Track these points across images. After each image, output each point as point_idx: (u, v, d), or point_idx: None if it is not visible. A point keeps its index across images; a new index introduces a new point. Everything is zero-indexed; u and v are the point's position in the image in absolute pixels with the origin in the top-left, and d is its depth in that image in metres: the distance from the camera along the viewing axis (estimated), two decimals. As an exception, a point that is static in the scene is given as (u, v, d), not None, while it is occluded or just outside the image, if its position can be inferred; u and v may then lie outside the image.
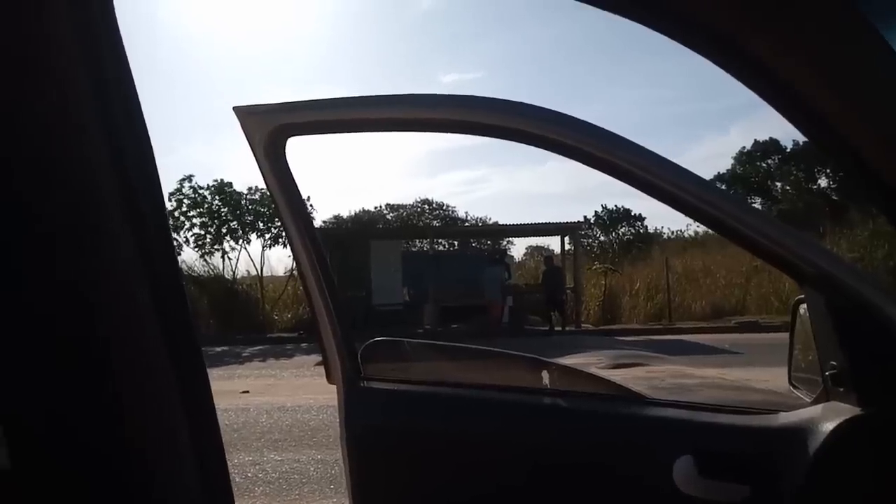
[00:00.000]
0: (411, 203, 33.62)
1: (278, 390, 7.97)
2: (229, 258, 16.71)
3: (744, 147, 30.96)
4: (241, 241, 16.43)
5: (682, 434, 1.32)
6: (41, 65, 0.43)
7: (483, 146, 52.07)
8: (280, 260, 27.80)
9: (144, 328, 0.47)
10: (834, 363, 1.19)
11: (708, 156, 44.20)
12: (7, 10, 0.43)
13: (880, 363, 1.12)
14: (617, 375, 6.91)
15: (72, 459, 0.44)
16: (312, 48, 50.01)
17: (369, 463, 1.48)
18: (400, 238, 17.99)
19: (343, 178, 46.29)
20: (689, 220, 21.88)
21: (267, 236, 16.36)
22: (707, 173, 29.55)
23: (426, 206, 33.49)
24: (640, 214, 29.98)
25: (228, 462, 0.55)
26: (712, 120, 48.93)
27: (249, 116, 1.34)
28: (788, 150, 28.47)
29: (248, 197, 16.15)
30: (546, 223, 15.78)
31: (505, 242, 28.78)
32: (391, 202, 34.12)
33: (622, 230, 30.56)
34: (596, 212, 30.86)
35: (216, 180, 16.14)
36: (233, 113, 1.34)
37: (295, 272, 16.09)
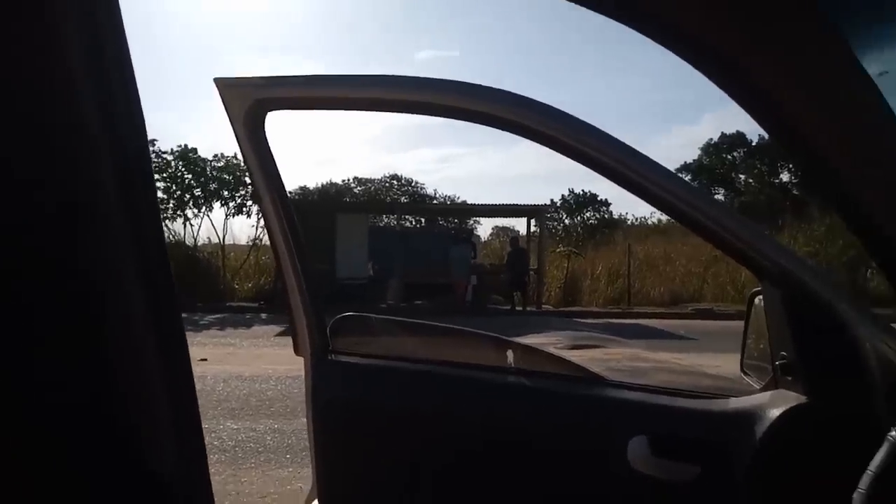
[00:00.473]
0: (380, 178, 33.41)
1: (236, 359, 7.91)
2: (191, 224, 16.37)
3: (711, 139, 31.54)
4: (203, 208, 16.09)
5: (638, 415, 1.37)
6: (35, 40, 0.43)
7: (456, 124, 51.51)
8: (242, 229, 27.38)
9: (130, 301, 0.48)
10: (784, 354, 1.26)
11: (679, 144, 44.97)
12: None
13: (827, 357, 1.20)
14: (575, 356, 7.04)
15: (49, 421, 0.45)
16: (282, 18, 48.72)
17: (334, 435, 1.50)
18: (367, 213, 17.82)
19: (312, 148, 45.65)
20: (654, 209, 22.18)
21: (231, 204, 16.05)
22: (676, 162, 30.07)
23: (395, 182, 33.26)
24: (605, 200, 30.29)
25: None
26: (686, 110, 49.77)
27: (230, 89, 1.32)
28: (754, 143, 28.99)
29: (213, 164, 15.77)
30: (513, 205, 15.84)
31: (472, 222, 28.85)
32: (359, 175, 33.86)
33: (587, 214, 30.82)
34: (563, 195, 31.08)
35: (180, 145, 15.73)
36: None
37: (258, 242, 15.99)
